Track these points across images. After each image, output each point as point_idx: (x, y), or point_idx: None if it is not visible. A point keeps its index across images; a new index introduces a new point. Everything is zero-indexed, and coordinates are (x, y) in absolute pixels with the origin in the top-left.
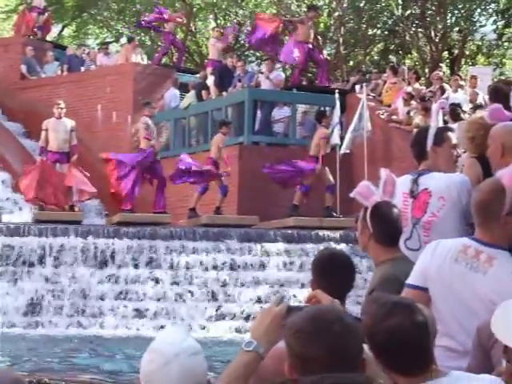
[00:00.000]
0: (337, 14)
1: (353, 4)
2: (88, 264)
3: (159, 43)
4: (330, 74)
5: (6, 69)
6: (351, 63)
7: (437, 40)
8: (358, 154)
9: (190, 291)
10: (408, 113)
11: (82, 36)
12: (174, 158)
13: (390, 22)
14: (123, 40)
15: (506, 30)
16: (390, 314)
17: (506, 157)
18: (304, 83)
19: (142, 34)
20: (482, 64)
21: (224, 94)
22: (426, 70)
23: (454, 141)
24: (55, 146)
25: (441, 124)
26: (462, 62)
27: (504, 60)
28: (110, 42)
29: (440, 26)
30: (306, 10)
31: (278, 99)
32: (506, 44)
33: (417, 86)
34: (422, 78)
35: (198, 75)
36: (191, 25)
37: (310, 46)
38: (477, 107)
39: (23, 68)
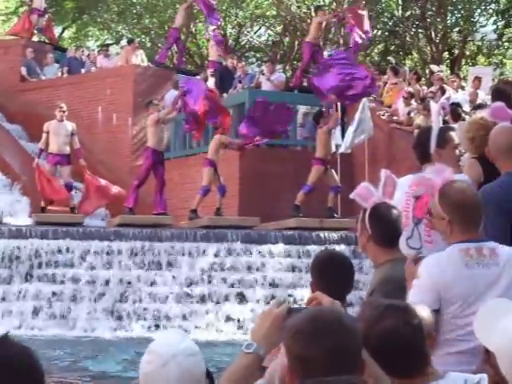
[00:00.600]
0: None
1: (353, 4)
2: (90, 266)
3: (159, 45)
4: None
5: (5, 71)
6: None
7: (437, 40)
8: (359, 154)
9: (191, 292)
10: (408, 113)
11: (82, 38)
12: (174, 160)
13: (390, 23)
14: (123, 42)
15: (506, 30)
16: (382, 316)
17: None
18: (304, 84)
19: (143, 36)
20: (482, 64)
21: (225, 95)
22: (427, 71)
23: (457, 141)
24: (56, 148)
25: (441, 124)
26: (463, 63)
27: (504, 60)
28: (111, 44)
29: (440, 27)
30: (312, 10)
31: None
32: (506, 44)
33: (417, 86)
34: (423, 79)
35: (198, 77)
36: (191, 26)
37: (317, 47)
38: (476, 108)
39: (23, 70)
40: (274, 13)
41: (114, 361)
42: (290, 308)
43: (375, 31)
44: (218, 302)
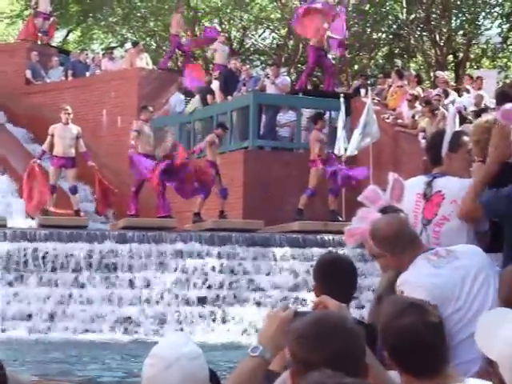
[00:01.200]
0: None
1: (357, 8)
2: (94, 269)
3: (164, 48)
4: (335, 79)
5: (11, 74)
6: (356, 67)
7: (442, 44)
8: (364, 157)
9: (195, 295)
10: (413, 116)
11: (86, 41)
12: None
13: (394, 26)
14: (128, 45)
15: (511, 33)
16: (402, 313)
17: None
18: (309, 88)
19: (147, 39)
20: (486, 67)
21: (229, 98)
22: (431, 74)
23: (470, 146)
24: (61, 151)
25: (457, 128)
26: (467, 66)
27: (509, 63)
28: (115, 47)
29: (445, 30)
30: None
31: (283, 103)
32: (510, 47)
33: (418, 89)
34: (427, 82)
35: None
36: (196, 29)
37: (323, 51)
38: (481, 111)
39: (28, 73)
40: (279, 16)
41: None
42: (297, 312)
43: (380, 34)
44: (221, 305)
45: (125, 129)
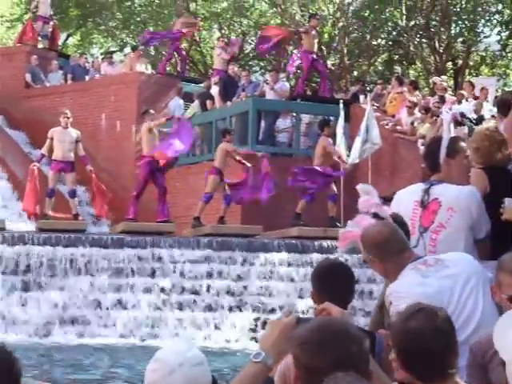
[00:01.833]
0: (341, 24)
1: (357, 14)
2: (92, 273)
3: (163, 52)
4: (332, 85)
5: (10, 77)
6: (355, 73)
7: (441, 50)
8: (362, 164)
9: (194, 300)
10: (412, 123)
11: (86, 45)
12: (178, 168)
13: (394, 33)
14: (127, 49)
15: (510, 40)
16: (411, 317)
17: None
18: (308, 93)
19: None
20: (485, 75)
21: (228, 103)
22: (430, 81)
23: (468, 151)
24: (60, 155)
25: (452, 134)
26: (466, 73)
27: (508, 71)
28: (115, 51)
29: (444, 37)
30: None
31: (282, 109)
32: (509, 55)
33: (416, 96)
34: (426, 89)
35: (202, 85)
36: (195, 34)
37: (315, 55)
38: (480, 119)
39: (28, 77)
40: (278, 21)
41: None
42: (299, 318)
43: (379, 40)
44: (219, 311)
45: (124, 133)
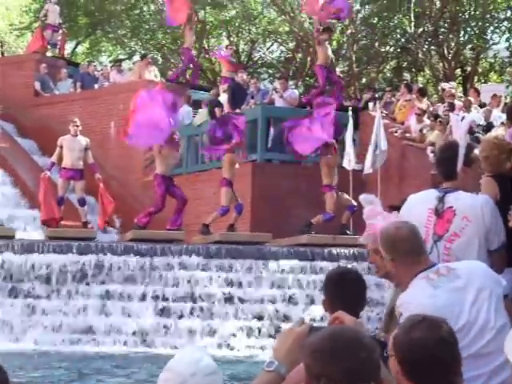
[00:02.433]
0: (349, 31)
1: (366, 21)
2: (101, 281)
3: (172, 60)
4: (343, 92)
5: (19, 85)
6: (364, 80)
7: (450, 57)
8: (371, 171)
9: (202, 308)
10: (421, 130)
11: (95, 53)
12: (187, 176)
13: (402, 40)
14: (136, 57)
15: None
16: (414, 327)
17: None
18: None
19: (155, 52)
20: (494, 81)
21: (237, 111)
22: (439, 88)
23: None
24: (69, 163)
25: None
26: (475, 80)
27: None
28: (123, 60)
29: (453, 44)
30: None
31: (291, 117)
32: None
33: (424, 103)
34: (435, 96)
35: (210, 92)
36: (204, 42)
37: (329, 68)
38: (489, 127)
39: (37, 85)
40: (287, 29)
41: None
42: (312, 327)
43: (388, 48)
44: (230, 319)
45: None
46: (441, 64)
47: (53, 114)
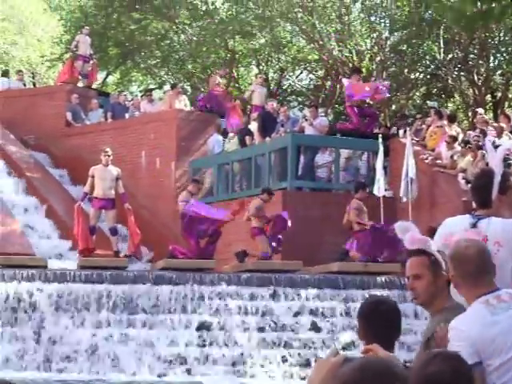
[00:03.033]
0: (379, 58)
1: (395, 48)
2: (132, 310)
3: (202, 89)
4: (377, 122)
5: (51, 116)
6: (394, 107)
7: (479, 83)
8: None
9: (232, 337)
10: (452, 157)
11: (125, 83)
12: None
13: (432, 66)
14: (166, 87)
15: None
16: (431, 362)
17: None
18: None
19: (185, 81)
20: None
21: (267, 139)
22: (469, 114)
23: None
24: (101, 192)
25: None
26: (506, 105)
27: None
28: (154, 89)
29: (482, 70)
30: (354, 54)
31: (321, 144)
32: None
33: (457, 129)
34: (465, 122)
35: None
36: (233, 71)
37: (361, 106)
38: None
39: (68, 115)
40: (316, 57)
41: None
42: (346, 357)
43: (417, 74)
44: (262, 348)
45: (163, 170)
46: (471, 90)
47: (84, 143)
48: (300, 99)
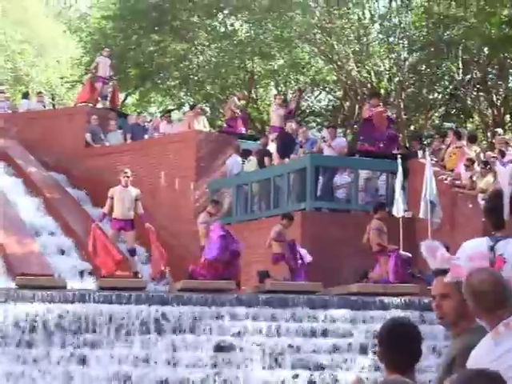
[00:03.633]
0: (397, 79)
1: (413, 69)
2: (152, 331)
3: (221, 110)
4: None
5: (71, 137)
6: (412, 128)
7: (498, 104)
8: (422, 219)
9: (252, 359)
10: (471, 177)
11: (144, 104)
12: (236, 224)
13: (450, 87)
14: (185, 108)
15: None
16: (475, 379)
17: None
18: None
19: (204, 102)
20: None
21: (286, 160)
22: (488, 134)
23: None
24: (120, 213)
25: None
26: None
27: None
28: (173, 110)
29: (501, 90)
30: (373, 75)
31: (340, 165)
32: None
33: (476, 149)
34: (484, 142)
35: (258, 142)
36: (252, 92)
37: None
38: None
39: (88, 136)
40: (334, 78)
41: None
42: None
43: (436, 95)
44: (282, 369)
45: (183, 191)
46: (489, 110)
47: (103, 164)
48: (319, 120)
